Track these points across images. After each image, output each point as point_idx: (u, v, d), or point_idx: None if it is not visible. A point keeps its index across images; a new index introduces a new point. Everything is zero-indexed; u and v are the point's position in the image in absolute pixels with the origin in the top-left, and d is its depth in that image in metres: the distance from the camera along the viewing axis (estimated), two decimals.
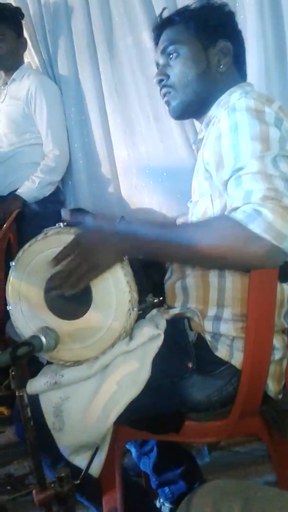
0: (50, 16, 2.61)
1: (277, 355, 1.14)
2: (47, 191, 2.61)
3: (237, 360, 1.12)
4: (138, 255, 1.12)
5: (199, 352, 1.13)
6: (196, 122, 1.49)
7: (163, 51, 1.32)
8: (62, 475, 0.93)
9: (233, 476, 1.81)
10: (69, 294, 1.08)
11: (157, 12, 2.09)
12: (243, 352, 1.11)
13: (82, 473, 1.02)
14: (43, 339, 1.02)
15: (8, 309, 1.23)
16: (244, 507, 0.68)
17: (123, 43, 2.40)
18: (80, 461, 1.13)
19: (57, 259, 1.09)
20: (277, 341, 1.14)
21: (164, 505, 1.59)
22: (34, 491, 0.96)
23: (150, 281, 1.27)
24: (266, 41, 1.90)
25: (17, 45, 2.59)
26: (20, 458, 2.04)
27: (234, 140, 1.04)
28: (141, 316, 1.19)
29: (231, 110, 1.08)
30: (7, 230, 2.39)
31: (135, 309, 1.12)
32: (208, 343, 1.13)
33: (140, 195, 2.52)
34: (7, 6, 2.57)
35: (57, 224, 1.16)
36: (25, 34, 2.63)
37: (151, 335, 1.13)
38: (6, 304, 1.23)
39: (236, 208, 0.95)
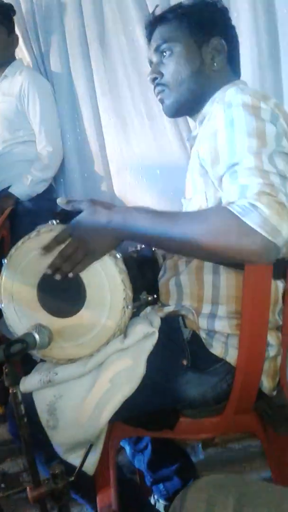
0: (42, 12, 2.60)
1: (271, 352, 1.15)
2: (40, 189, 2.60)
3: (232, 357, 1.12)
4: (132, 241, 1.12)
5: (194, 349, 1.13)
6: (189, 120, 1.49)
7: (157, 49, 1.31)
8: (57, 472, 0.92)
9: (228, 473, 1.81)
10: (61, 286, 1.09)
11: (150, 9, 2.09)
12: (237, 349, 1.11)
13: (76, 470, 1.01)
14: (37, 336, 1.02)
15: (0, 307, 1.22)
16: (238, 501, 0.68)
17: (116, 40, 2.39)
18: (74, 458, 1.13)
19: (48, 247, 1.09)
20: (271, 338, 1.14)
21: (158, 501, 1.59)
22: (28, 488, 0.96)
23: (145, 279, 1.27)
24: (259, 38, 1.90)
25: (8, 42, 2.57)
26: (14, 456, 2.03)
27: (230, 135, 1.04)
28: (135, 314, 1.20)
29: (227, 106, 1.08)
30: None
31: (130, 307, 1.12)
32: (203, 340, 1.13)
33: (134, 193, 2.51)
34: None
35: (49, 222, 1.16)
36: (17, 31, 2.62)
37: (146, 333, 1.13)
38: None
39: (232, 203, 0.95)
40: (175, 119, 2.19)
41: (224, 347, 1.13)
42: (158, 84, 1.32)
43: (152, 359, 1.11)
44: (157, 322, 1.15)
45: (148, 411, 1.19)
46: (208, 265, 1.15)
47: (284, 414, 1.16)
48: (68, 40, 2.56)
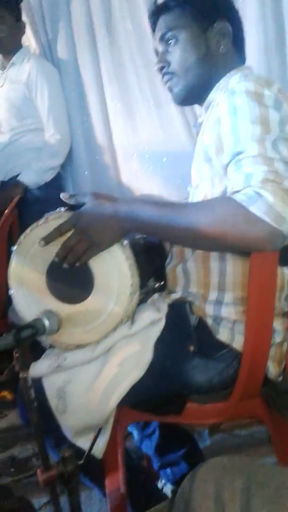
0: (49, 0, 2.59)
1: (277, 338, 1.15)
2: (49, 177, 2.61)
3: (238, 343, 1.13)
4: (138, 233, 1.12)
5: (201, 335, 1.14)
6: (197, 107, 1.49)
7: (162, 38, 1.31)
8: (66, 455, 0.94)
9: None
10: (70, 273, 1.09)
11: None
12: (244, 335, 1.12)
13: (85, 454, 1.03)
14: (46, 322, 1.03)
15: (10, 293, 1.23)
16: (245, 483, 0.69)
17: (123, 27, 2.38)
18: (83, 442, 1.14)
19: (49, 237, 1.10)
20: (277, 324, 1.15)
21: (166, 485, 1.61)
22: (38, 471, 0.97)
23: (152, 266, 1.28)
24: (265, 24, 1.89)
25: (16, 29, 2.57)
26: (23, 441, 2.06)
27: (234, 123, 1.04)
28: (142, 301, 1.21)
29: (230, 94, 1.08)
30: (8, 216, 2.39)
31: (137, 293, 1.12)
32: (210, 326, 1.14)
33: (140, 180, 2.52)
34: None
35: (58, 209, 1.16)
36: (24, 18, 2.61)
37: (153, 319, 1.14)
38: (8, 289, 1.24)
39: (237, 192, 0.95)
40: (182, 106, 2.19)
41: (231, 333, 1.13)
42: (166, 73, 1.32)
43: (160, 345, 1.12)
44: (164, 308, 1.16)
45: (156, 396, 1.20)
46: (214, 252, 1.15)
47: None
48: (74, 27, 2.55)
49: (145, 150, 2.46)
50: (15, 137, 2.61)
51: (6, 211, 2.40)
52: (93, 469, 1.23)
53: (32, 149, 2.61)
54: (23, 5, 2.58)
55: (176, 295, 1.19)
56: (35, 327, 1.00)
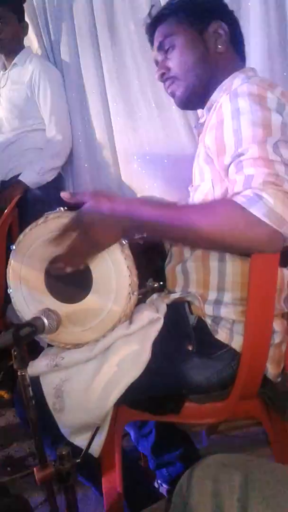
0: (52, 0, 2.59)
1: (276, 338, 1.16)
2: (50, 177, 2.61)
3: (237, 343, 1.13)
4: (138, 233, 1.11)
5: (200, 335, 1.14)
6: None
7: (159, 47, 1.34)
8: (63, 453, 0.94)
9: None
10: (70, 272, 1.09)
11: None
12: (243, 336, 1.12)
13: (83, 452, 1.03)
14: (45, 320, 1.03)
15: (9, 292, 1.24)
16: (244, 479, 0.69)
17: (125, 28, 2.38)
18: (80, 441, 1.14)
19: (58, 239, 1.09)
20: (276, 325, 1.15)
21: (162, 486, 1.61)
22: (35, 469, 0.97)
23: (151, 266, 1.28)
24: (269, 26, 1.89)
25: (18, 29, 2.58)
26: (20, 440, 2.07)
27: (236, 125, 1.04)
28: (141, 301, 1.21)
29: (233, 96, 1.09)
30: (8, 215, 2.39)
31: (135, 293, 1.12)
32: (209, 326, 1.14)
33: (141, 181, 2.52)
34: None
35: (57, 209, 1.16)
36: (27, 19, 2.62)
37: (151, 319, 1.14)
38: (7, 288, 1.24)
39: (237, 193, 0.95)
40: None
41: (229, 333, 1.14)
42: (167, 79, 1.34)
43: (158, 345, 1.12)
44: (163, 308, 1.16)
45: (154, 395, 1.20)
46: (214, 252, 1.16)
47: None
48: (77, 29, 2.55)
49: (146, 151, 2.46)
50: (16, 137, 2.62)
51: (6, 210, 2.40)
52: (90, 468, 1.23)
53: (34, 150, 2.61)
54: (26, 6, 2.59)
55: (175, 295, 1.19)
56: (34, 325, 1.00)
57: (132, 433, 1.65)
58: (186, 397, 1.20)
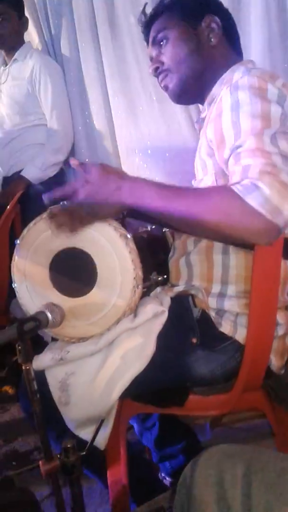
0: None
1: (280, 330, 1.16)
2: (52, 172, 2.61)
3: (240, 335, 1.13)
4: (137, 210, 1.10)
5: (203, 328, 1.14)
6: None
7: (153, 42, 1.34)
8: (69, 446, 0.95)
9: None
10: (73, 266, 1.12)
11: None
12: (246, 328, 1.12)
13: (88, 445, 1.04)
14: (49, 315, 1.03)
15: (13, 286, 1.24)
16: (247, 468, 0.70)
17: (125, 22, 2.37)
18: (85, 434, 1.15)
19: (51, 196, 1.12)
20: (280, 317, 1.16)
21: (165, 479, 1.62)
22: (40, 462, 0.98)
23: (155, 259, 1.28)
24: (270, 18, 1.89)
25: (19, 25, 2.57)
26: (25, 435, 2.07)
27: (235, 118, 1.04)
28: (145, 294, 1.21)
29: (233, 88, 1.08)
30: (10, 211, 2.40)
31: (140, 286, 1.13)
32: (212, 319, 1.14)
33: (143, 175, 2.49)
34: None
35: (61, 203, 1.17)
36: (27, 14, 2.61)
37: (155, 312, 1.14)
38: (11, 283, 1.24)
39: (235, 183, 0.95)
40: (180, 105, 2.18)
41: (233, 325, 1.14)
42: (160, 72, 1.34)
43: (163, 338, 1.13)
44: (167, 301, 1.17)
45: (158, 388, 1.21)
46: (218, 245, 1.16)
47: None
48: (77, 23, 2.54)
49: (148, 145, 2.45)
50: (18, 133, 2.62)
51: (8, 206, 2.40)
52: (95, 461, 1.24)
53: (35, 145, 2.61)
54: (26, 1, 2.58)
55: (179, 288, 1.19)
56: (38, 320, 1.00)
57: (135, 426, 1.65)
58: (190, 389, 1.21)
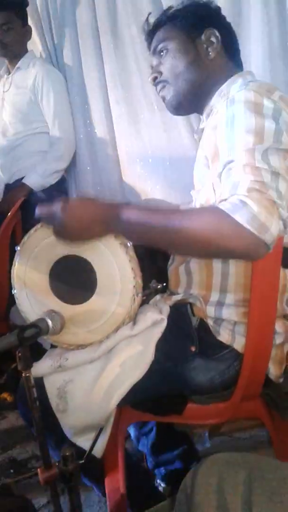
0: (55, 4, 2.61)
1: (278, 339, 1.16)
2: (53, 179, 2.62)
3: (239, 344, 1.13)
4: (123, 235, 1.11)
5: (202, 336, 1.15)
6: None
7: (154, 51, 1.36)
8: (67, 454, 0.95)
9: None
10: (73, 273, 1.12)
11: (163, 1, 2.10)
12: (245, 337, 1.13)
13: (86, 453, 1.04)
14: (49, 322, 1.04)
15: (13, 293, 1.24)
16: (248, 476, 0.70)
17: (128, 32, 2.39)
18: (83, 442, 1.15)
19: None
20: (278, 326, 1.16)
21: (160, 485, 1.61)
22: (39, 470, 0.98)
23: (154, 267, 1.29)
24: (270, 29, 1.90)
25: (22, 34, 2.59)
26: (23, 443, 2.07)
27: (229, 132, 1.05)
28: (145, 302, 1.21)
29: (230, 102, 1.09)
30: (12, 218, 2.40)
31: (139, 295, 1.13)
32: (211, 327, 1.14)
33: (144, 184, 2.52)
34: None
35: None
36: (30, 23, 2.63)
37: (155, 320, 1.15)
38: (11, 289, 1.25)
39: (223, 200, 0.96)
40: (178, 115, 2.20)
41: (231, 334, 1.14)
42: (158, 83, 1.35)
43: (161, 346, 1.13)
44: (166, 309, 1.17)
45: (157, 396, 1.21)
46: None
47: None
48: (80, 32, 2.56)
49: (149, 154, 2.46)
50: (20, 140, 2.63)
51: (9, 213, 2.41)
52: (93, 469, 1.24)
53: (37, 153, 2.62)
54: (29, 10, 2.60)
55: (177, 297, 1.20)
56: (38, 326, 1.00)
57: (132, 431, 1.65)
58: (189, 398, 1.21)
